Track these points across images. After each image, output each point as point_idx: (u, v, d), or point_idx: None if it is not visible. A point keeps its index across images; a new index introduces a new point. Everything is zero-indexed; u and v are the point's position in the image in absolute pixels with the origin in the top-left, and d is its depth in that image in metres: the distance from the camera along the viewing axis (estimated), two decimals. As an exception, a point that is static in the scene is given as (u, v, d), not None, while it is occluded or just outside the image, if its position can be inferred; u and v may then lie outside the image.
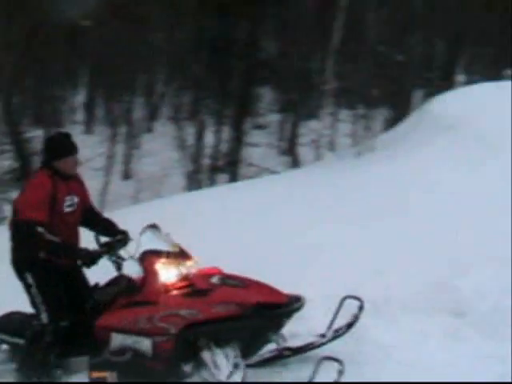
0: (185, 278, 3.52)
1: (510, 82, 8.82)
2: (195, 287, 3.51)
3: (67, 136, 3.81)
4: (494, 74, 15.17)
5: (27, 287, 3.70)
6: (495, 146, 5.86)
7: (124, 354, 3.49)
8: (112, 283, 3.77)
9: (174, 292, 3.51)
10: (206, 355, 3.40)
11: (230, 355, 3.46)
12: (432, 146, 6.16)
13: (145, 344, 3.46)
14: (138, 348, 3.47)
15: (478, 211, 4.83)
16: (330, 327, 3.79)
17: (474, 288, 4.00)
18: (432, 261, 4.31)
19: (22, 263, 3.72)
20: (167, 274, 3.52)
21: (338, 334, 3.75)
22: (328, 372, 3.09)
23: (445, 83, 13.92)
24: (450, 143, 6.08)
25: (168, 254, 3.54)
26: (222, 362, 3.42)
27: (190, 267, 3.56)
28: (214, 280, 3.57)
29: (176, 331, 3.39)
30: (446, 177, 5.43)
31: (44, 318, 3.64)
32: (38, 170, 3.84)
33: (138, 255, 3.54)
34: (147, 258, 3.55)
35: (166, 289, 3.50)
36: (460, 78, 16.58)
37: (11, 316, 3.93)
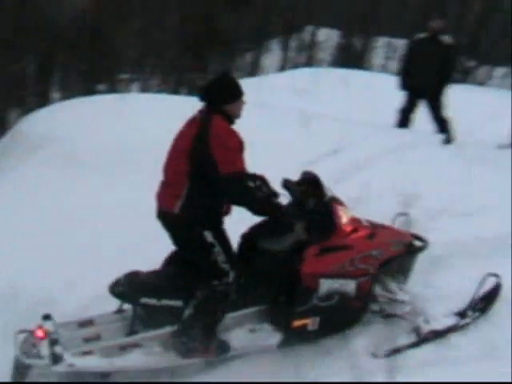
0: (349, 222, 3.95)
1: (102, 97, 9.42)
2: (363, 230, 4.00)
3: (231, 75, 3.70)
4: (86, 90, 16.36)
5: (206, 247, 3.53)
6: (84, 164, 6.13)
7: (332, 298, 3.78)
8: (271, 231, 3.88)
9: (356, 235, 3.94)
10: (377, 289, 4.02)
11: (399, 285, 4.15)
12: (22, 167, 6.32)
13: (350, 286, 3.82)
14: (343, 291, 3.80)
15: (68, 228, 5.12)
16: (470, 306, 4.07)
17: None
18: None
19: (200, 221, 3.53)
20: (346, 218, 3.92)
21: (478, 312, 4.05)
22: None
23: (39, 101, 14.41)
24: (40, 163, 6.24)
25: (339, 200, 3.98)
26: (395, 289, 4.09)
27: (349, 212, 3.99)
28: (365, 223, 4.10)
29: (374, 271, 3.90)
30: (36, 198, 5.59)
31: (231, 276, 3.58)
32: (209, 115, 3.51)
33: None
34: (334, 203, 3.91)
35: (349, 233, 3.91)
36: (56, 94, 17.23)
37: (142, 277, 3.65)
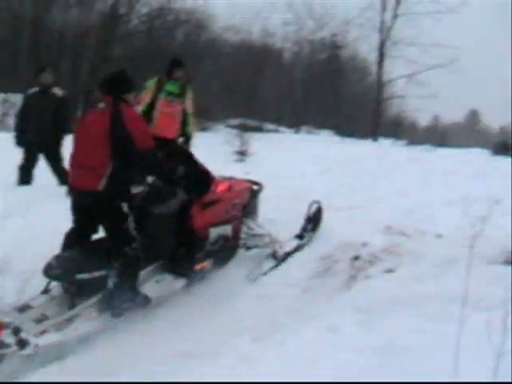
0: None
1: None
2: (222, 185, 5.33)
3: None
4: None
5: (122, 217, 4.34)
6: None
7: (217, 242, 5.16)
8: (158, 198, 4.82)
9: (220, 190, 5.26)
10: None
11: (255, 222, 5.72)
12: None
13: (228, 229, 5.25)
14: (224, 234, 5.21)
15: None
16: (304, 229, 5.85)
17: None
18: None
19: (119, 194, 4.32)
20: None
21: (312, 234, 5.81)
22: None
23: None
24: None
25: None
26: (254, 226, 5.63)
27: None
28: (220, 178, 5.39)
29: (241, 214, 5.41)
30: None
31: (138, 240, 4.40)
32: (116, 104, 4.33)
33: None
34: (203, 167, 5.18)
35: (215, 189, 5.20)
36: None
37: (69, 257, 4.30)
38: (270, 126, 25.48)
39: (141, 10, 22.95)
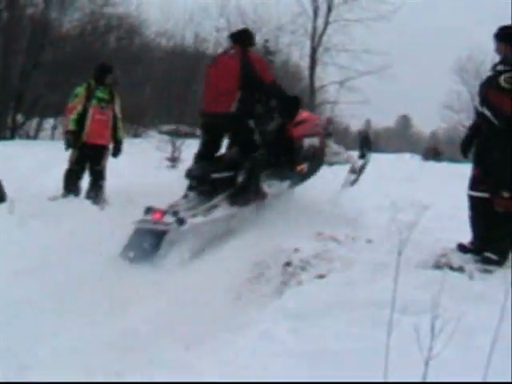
0: None
1: None
2: (305, 112, 7.13)
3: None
4: None
5: (250, 131, 6.09)
6: None
7: (309, 150, 6.78)
8: (263, 119, 6.35)
9: (305, 114, 7.02)
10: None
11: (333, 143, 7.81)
12: None
13: (316, 141, 6.98)
14: (314, 144, 6.91)
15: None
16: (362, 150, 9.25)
17: None
18: None
19: (246, 113, 6.04)
20: None
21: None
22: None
23: None
24: None
25: None
26: (333, 145, 7.68)
27: None
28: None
29: (323, 132, 7.26)
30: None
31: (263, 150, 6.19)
32: (243, 51, 6.12)
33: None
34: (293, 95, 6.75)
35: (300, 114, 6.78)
36: None
37: (205, 164, 6.03)
38: (204, 132, 25.25)
39: (73, 14, 22.55)
